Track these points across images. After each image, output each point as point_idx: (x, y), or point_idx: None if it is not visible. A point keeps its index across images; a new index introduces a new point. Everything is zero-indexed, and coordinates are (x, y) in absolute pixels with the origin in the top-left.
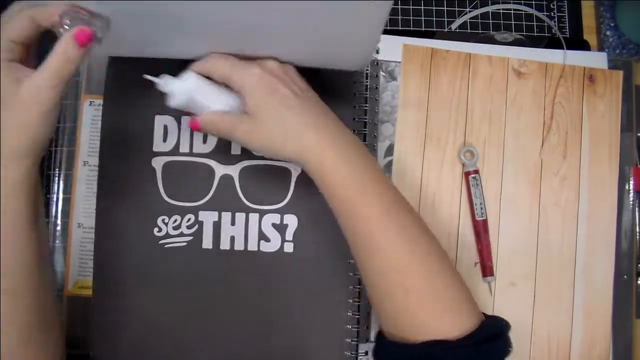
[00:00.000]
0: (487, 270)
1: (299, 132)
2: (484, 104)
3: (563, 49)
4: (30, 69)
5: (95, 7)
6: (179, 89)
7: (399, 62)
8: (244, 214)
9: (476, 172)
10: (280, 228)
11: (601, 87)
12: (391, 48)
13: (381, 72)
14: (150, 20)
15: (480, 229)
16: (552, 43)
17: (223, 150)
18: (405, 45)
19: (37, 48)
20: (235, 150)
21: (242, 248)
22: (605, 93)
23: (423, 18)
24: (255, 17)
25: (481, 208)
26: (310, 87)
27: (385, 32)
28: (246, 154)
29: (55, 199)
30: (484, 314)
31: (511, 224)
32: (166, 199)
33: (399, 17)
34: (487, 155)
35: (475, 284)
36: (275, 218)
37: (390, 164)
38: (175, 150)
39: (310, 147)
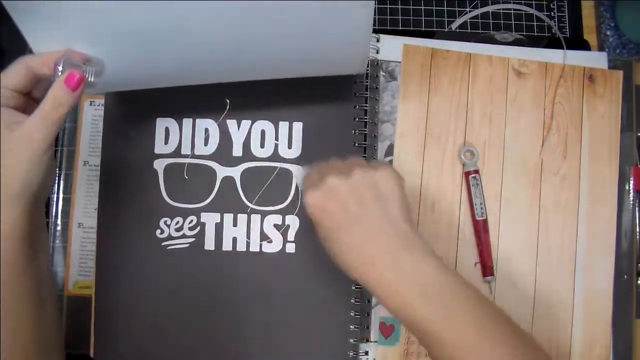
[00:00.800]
0: (487, 270)
1: (352, 269)
2: (484, 104)
3: (563, 48)
4: (26, 115)
5: (88, 52)
6: None
7: (399, 62)
8: (245, 215)
9: (476, 172)
10: (282, 229)
11: (601, 87)
12: (391, 48)
13: (381, 72)
14: (142, 54)
15: (481, 229)
16: (552, 43)
17: (225, 152)
18: (406, 45)
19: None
20: (237, 152)
21: (244, 249)
22: (605, 93)
23: (423, 18)
24: (245, 30)
25: (481, 208)
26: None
27: (385, 32)
28: (247, 155)
29: (55, 199)
30: None
31: (511, 224)
32: (168, 201)
33: (399, 17)
34: (487, 156)
35: (475, 284)
36: (277, 219)
37: (390, 163)
38: (176, 153)
39: (368, 281)
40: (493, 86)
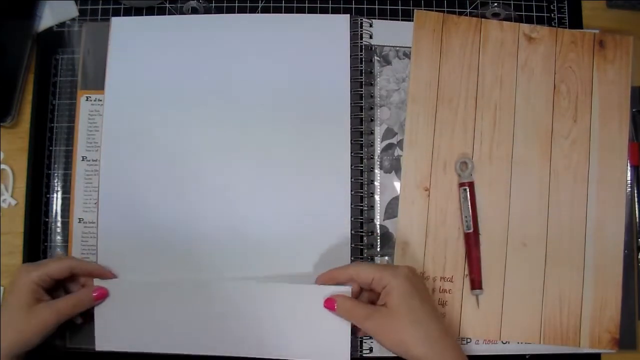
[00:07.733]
0: (475, 284)
1: (432, 339)
2: (495, 68)
3: None
4: (49, 297)
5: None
6: None
7: (393, 47)
8: None
9: (470, 184)
10: None
11: (611, 52)
12: (384, 33)
13: (375, 57)
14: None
15: (471, 242)
16: None
17: None
18: (418, 12)
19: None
20: None
21: None
22: (616, 58)
23: None
24: None
25: (468, 221)
26: None
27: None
28: None
29: (54, 198)
30: None
31: (522, 185)
32: None
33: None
34: (498, 119)
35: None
36: None
37: (387, 147)
38: None
39: (439, 354)
40: (504, 51)
